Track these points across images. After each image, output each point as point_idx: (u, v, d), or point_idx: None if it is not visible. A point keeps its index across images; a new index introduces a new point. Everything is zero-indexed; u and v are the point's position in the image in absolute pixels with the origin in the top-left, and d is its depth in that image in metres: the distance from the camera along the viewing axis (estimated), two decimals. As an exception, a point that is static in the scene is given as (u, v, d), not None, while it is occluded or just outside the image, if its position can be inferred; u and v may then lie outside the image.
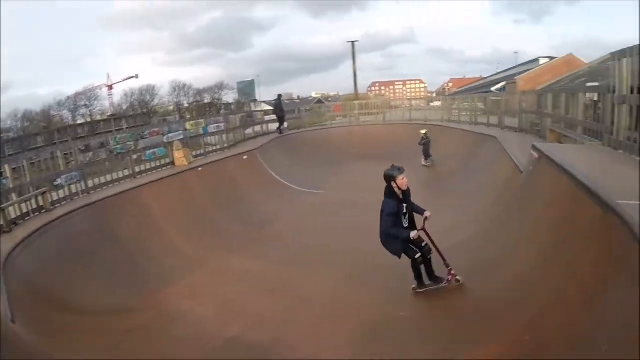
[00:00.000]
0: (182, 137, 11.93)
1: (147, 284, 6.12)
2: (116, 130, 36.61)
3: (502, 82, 37.74)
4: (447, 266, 5.13)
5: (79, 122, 53.13)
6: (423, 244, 5.08)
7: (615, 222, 3.11)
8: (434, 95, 77.00)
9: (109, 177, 9.30)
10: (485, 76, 62.44)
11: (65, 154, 9.03)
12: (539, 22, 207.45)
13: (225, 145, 13.65)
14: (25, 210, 7.09)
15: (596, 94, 7.89)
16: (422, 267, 5.15)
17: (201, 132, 13.09)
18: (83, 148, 9.35)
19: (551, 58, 36.01)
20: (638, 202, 3.34)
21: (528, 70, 34.86)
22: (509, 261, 4.88)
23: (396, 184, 4.90)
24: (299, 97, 71.61)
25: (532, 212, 5.44)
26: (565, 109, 10.14)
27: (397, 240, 4.98)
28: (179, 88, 59.91)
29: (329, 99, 54.20)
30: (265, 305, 5.46)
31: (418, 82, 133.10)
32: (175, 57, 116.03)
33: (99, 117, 55.08)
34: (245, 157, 12.45)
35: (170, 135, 11.61)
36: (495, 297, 4.49)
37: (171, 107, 59.72)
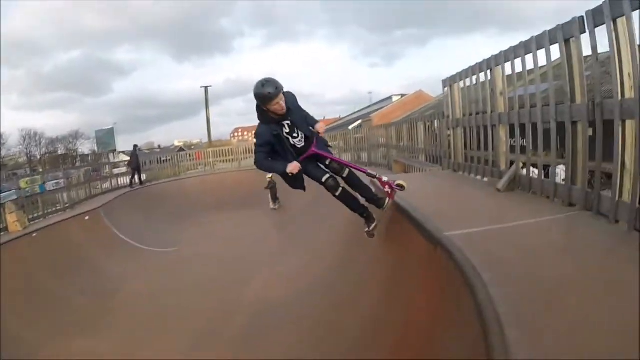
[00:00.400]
0: (15, 197, 10.30)
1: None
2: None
3: (358, 120, 39.19)
4: (374, 176, 4.20)
5: None
6: (327, 162, 4.08)
7: (444, 257, 2.91)
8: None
9: None
10: (344, 116, 65.07)
11: None
12: (392, 65, 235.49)
13: (67, 205, 12.15)
14: None
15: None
16: (354, 193, 4.16)
17: (38, 190, 11.55)
18: None
19: (403, 95, 38.98)
20: (467, 231, 3.24)
21: (382, 107, 37.27)
22: (356, 303, 4.63)
23: (268, 109, 3.80)
24: (159, 146, 68.28)
25: (371, 251, 5.15)
26: (409, 140, 10.68)
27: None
28: (30, 137, 52.10)
29: (192, 147, 52.55)
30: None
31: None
32: (29, 99, 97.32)
33: (-61, 175, 43.88)
34: (87, 218, 11.08)
35: (1, 195, 10.54)
36: (353, 338, 4.21)
37: (22, 159, 51.55)
